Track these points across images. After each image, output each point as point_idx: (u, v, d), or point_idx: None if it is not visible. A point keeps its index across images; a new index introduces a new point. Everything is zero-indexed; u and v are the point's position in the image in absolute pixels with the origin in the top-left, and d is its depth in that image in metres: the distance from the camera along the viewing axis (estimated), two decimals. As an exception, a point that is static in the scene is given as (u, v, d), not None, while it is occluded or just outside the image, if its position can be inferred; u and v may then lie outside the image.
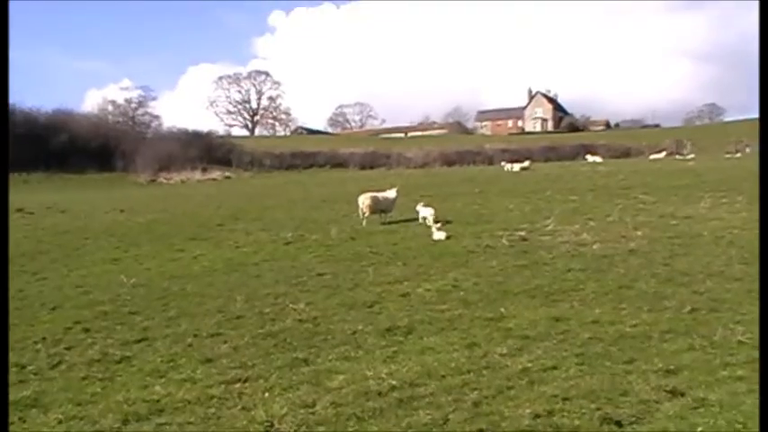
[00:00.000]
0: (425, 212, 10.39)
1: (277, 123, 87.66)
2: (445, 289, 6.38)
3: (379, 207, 12.25)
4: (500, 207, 13.57)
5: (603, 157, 34.87)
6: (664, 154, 34.94)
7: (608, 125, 79.97)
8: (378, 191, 13.62)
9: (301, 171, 41.71)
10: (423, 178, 25.85)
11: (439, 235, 9.57)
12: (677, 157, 32.39)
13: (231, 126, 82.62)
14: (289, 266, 8.19)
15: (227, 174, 37.58)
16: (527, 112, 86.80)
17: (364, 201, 12.19)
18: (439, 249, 8.75)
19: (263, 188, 25.59)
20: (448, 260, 7.91)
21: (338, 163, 43.62)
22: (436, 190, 19.47)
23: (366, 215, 12.20)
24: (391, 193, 12.62)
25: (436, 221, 10.39)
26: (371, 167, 42.21)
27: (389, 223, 12.07)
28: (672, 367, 4.02)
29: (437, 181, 23.32)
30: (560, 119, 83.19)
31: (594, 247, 7.97)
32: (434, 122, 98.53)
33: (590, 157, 33.33)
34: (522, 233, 9.52)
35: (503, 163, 30.00)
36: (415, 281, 6.83)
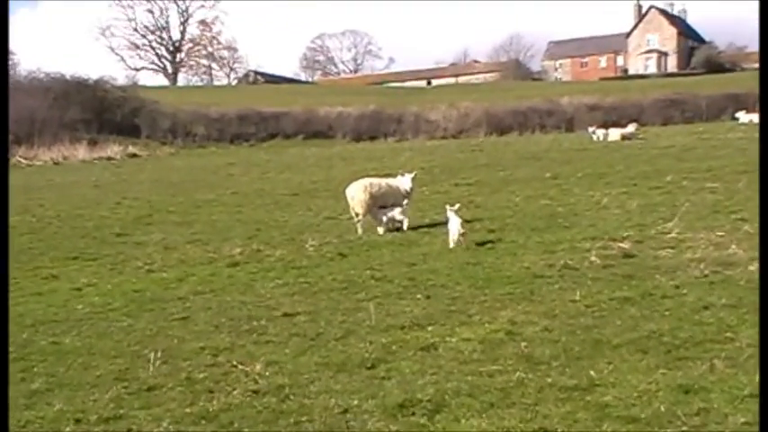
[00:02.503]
0: (453, 224, 10.43)
1: (215, 66, 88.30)
2: (495, 338, 6.39)
3: (383, 203, 12.34)
4: (586, 202, 13.64)
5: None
6: None
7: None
8: (382, 176, 13.75)
9: (257, 145, 42.04)
10: (457, 155, 26.02)
11: (455, 227, 9.98)
12: None
13: (138, 70, 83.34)
14: (237, 302, 8.27)
15: (133, 149, 37.91)
16: (632, 42, 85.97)
17: (359, 193, 12.26)
18: (485, 272, 8.81)
19: (194, 173, 25.86)
20: (500, 290, 7.95)
21: (318, 131, 43.85)
22: (480, 174, 19.66)
23: (361, 217, 12.27)
24: (403, 181, 12.67)
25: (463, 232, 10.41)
26: (372, 138, 42.45)
27: (400, 231, 12.17)
28: None
29: (481, 160, 23.57)
30: (691, 51, 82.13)
31: (751, 268, 7.94)
32: (476, 62, 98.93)
33: (743, 116, 31.55)
34: (625, 245, 9.55)
35: (590, 128, 30.11)
36: (446, 325, 6.86)
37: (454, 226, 10.39)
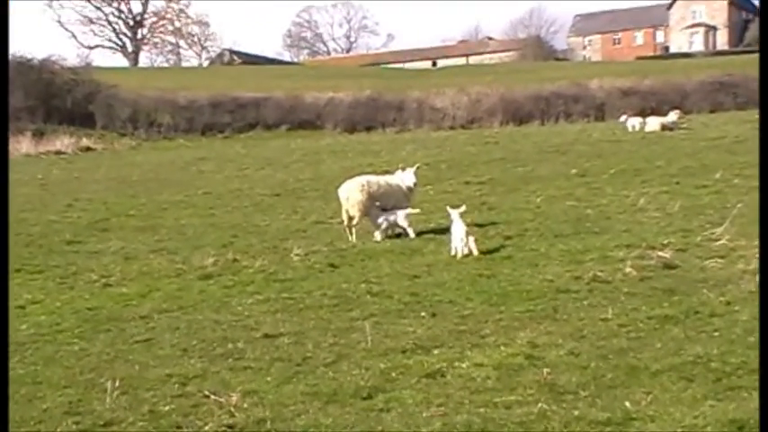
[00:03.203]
0: (457, 227, 10.46)
1: (182, 44, 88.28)
2: (513, 363, 6.40)
3: (382, 204, 12.41)
4: (620, 203, 13.68)
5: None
6: None
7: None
8: (381, 174, 13.73)
9: (233, 136, 42.05)
10: (467, 148, 26.06)
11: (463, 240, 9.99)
12: None
13: (92, 49, 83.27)
14: (209, 321, 8.28)
15: (87, 142, 37.93)
16: (675, 14, 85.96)
17: (354, 193, 12.30)
18: (500, 286, 8.83)
19: (159, 170, 25.88)
20: (518, 307, 7.97)
21: (304, 120, 43.89)
22: (494, 171, 19.70)
23: (356, 221, 12.30)
24: (405, 178, 12.75)
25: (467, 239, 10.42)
26: (368, 129, 42.50)
27: (401, 237, 12.18)
28: None
29: (496, 154, 23.64)
30: (745, 25, 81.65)
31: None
32: (489, 39, 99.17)
33: None
34: (666, 253, 9.55)
35: (625, 116, 30.20)
36: (455, 347, 6.88)
37: (457, 232, 10.41)
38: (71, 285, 10.48)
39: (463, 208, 10.83)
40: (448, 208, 10.88)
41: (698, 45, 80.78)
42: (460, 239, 10.34)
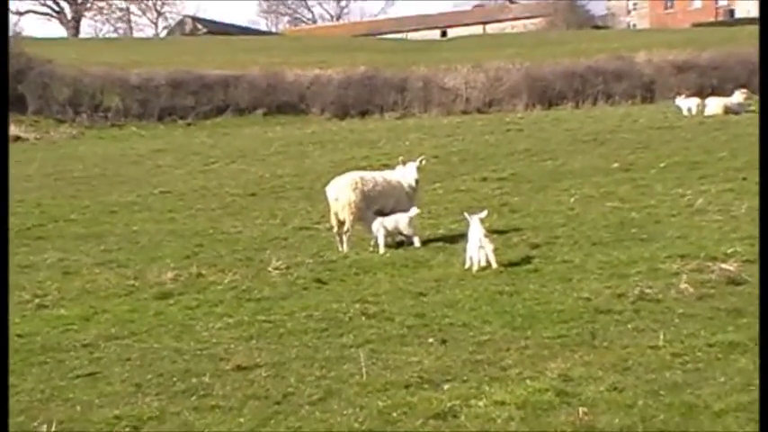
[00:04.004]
0: (474, 234, 10.47)
1: (134, 9, 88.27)
2: (541, 401, 6.40)
3: (380, 206, 12.46)
4: (673, 204, 13.69)
5: None
6: None
7: None
8: (377, 169, 13.71)
9: (197, 123, 41.99)
10: (485, 137, 26.06)
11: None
12: None
13: (22, 14, 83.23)
14: (168, 350, 8.27)
15: (16, 130, 37.80)
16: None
17: (345, 192, 12.31)
18: (525, 306, 8.83)
19: (106, 164, 25.86)
20: (547, 331, 7.98)
21: (285, 104, 43.80)
22: (518, 165, 19.67)
23: (348, 226, 12.31)
24: (407, 173, 12.80)
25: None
26: (363, 114, 42.43)
27: (403, 245, 12.16)
28: None
29: (520, 144, 23.57)
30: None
31: None
32: (511, 2, 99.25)
33: None
34: (730, 266, 9.55)
35: (679, 97, 30.15)
36: (471, 381, 6.88)
37: (474, 240, 10.41)
38: (-3, 306, 10.48)
39: (484, 213, 10.81)
40: (466, 214, 10.85)
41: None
42: (477, 249, 10.33)
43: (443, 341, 7.91)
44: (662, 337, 7.54)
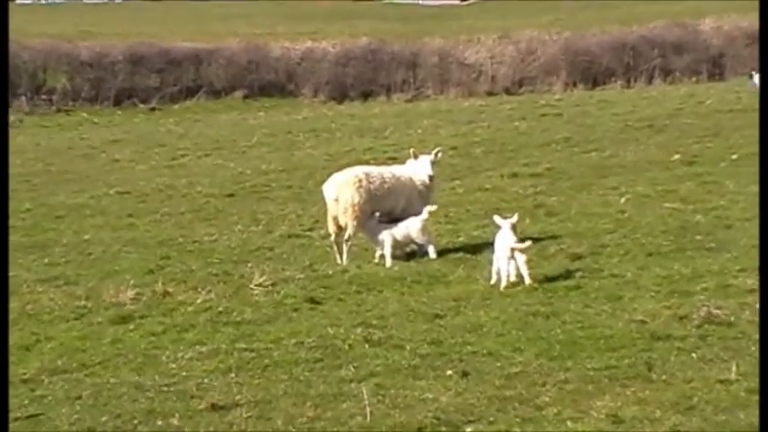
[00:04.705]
0: (502, 242, 10.47)
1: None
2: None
3: (387, 208, 12.47)
4: (746, 206, 13.58)
5: None
6: None
7: None
8: (384, 164, 13.65)
9: (163, 108, 41.92)
10: (515, 123, 26.02)
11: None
12: None
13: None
14: (128, 386, 8.24)
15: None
16: None
17: (347, 191, 12.33)
18: (565, 331, 8.82)
19: (51, 159, 25.86)
20: (593, 361, 7.95)
21: (270, 84, 43.78)
22: (556, 157, 19.66)
23: (349, 233, 12.33)
24: (419, 168, 12.81)
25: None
26: (365, 96, 42.37)
27: (415, 257, 12.16)
28: None
29: (558, 131, 23.58)
30: None
31: None
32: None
33: None
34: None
35: (753, 73, 30.02)
36: (498, 423, 6.87)
37: (502, 249, 10.41)
38: None
39: (515, 217, 10.77)
40: (496, 217, 10.84)
41: None
42: (506, 260, 10.31)
43: (464, 374, 7.88)
44: (734, 368, 7.50)
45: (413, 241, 12.21)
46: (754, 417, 6.67)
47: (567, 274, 10.67)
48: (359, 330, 9.22)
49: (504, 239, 10.46)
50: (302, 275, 11.67)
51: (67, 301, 11.27)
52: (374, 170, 12.85)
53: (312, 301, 10.55)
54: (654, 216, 13.48)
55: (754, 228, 12.27)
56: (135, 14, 64.11)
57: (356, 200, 12.17)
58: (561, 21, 49.14)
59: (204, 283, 11.58)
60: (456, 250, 12.35)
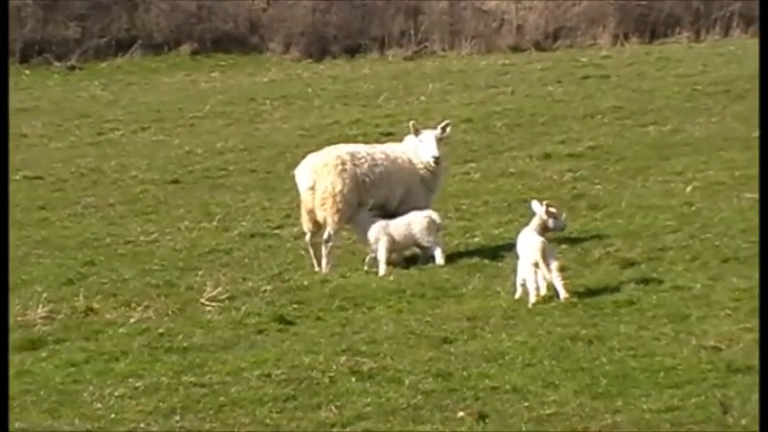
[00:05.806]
0: (527, 244, 10.50)
1: None
2: None
3: (379, 199, 12.58)
4: None
5: None
6: None
7: None
8: (374, 141, 13.67)
9: (86, 67, 41.82)
10: (548, 88, 26.07)
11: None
12: None
13: None
14: (41, 431, 8.32)
15: None
16: None
17: (324, 177, 12.41)
18: (614, 360, 8.86)
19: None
20: (651, 401, 8.00)
21: (227, 36, 43.70)
22: (601, 134, 19.71)
23: (330, 230, 12.40)
24: (422, 148, 12.89)
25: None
26: (351, 53, 42.21)
27: (416, 263, 12.27)
28: None
29: (603, 100, 23.75)
30: None
31: None
32: None
33: None
34: None
35: None
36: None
37: (529, 253, 10.46)
38: None
39: (543, 208, 10.80)
40: (534, 204, 10.87)
41: None
42: (533, 268, 10.34)
43: (481, 416, 7.89)
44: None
45: (415, 243, 12.24)
46: None
47: (616, 287, 10.70)
48: (343, 359, 9.23)
49: (530, 242, 10.45)
50: (269, 287, 11.70)
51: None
52: (362, 149, 12.87)
53: (282, 320, 10.58)
54: (730, 210, 13.54)
55: None
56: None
57: (338, 188, 12.20)
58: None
59: (140, 297, 11.61)
60: (470, 255, 12.40)
